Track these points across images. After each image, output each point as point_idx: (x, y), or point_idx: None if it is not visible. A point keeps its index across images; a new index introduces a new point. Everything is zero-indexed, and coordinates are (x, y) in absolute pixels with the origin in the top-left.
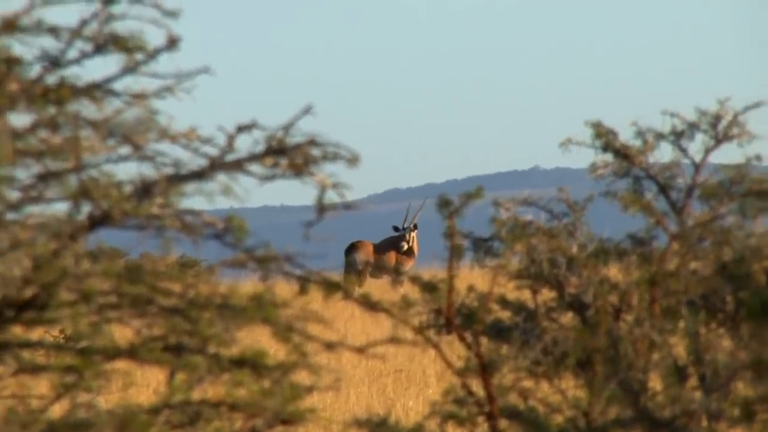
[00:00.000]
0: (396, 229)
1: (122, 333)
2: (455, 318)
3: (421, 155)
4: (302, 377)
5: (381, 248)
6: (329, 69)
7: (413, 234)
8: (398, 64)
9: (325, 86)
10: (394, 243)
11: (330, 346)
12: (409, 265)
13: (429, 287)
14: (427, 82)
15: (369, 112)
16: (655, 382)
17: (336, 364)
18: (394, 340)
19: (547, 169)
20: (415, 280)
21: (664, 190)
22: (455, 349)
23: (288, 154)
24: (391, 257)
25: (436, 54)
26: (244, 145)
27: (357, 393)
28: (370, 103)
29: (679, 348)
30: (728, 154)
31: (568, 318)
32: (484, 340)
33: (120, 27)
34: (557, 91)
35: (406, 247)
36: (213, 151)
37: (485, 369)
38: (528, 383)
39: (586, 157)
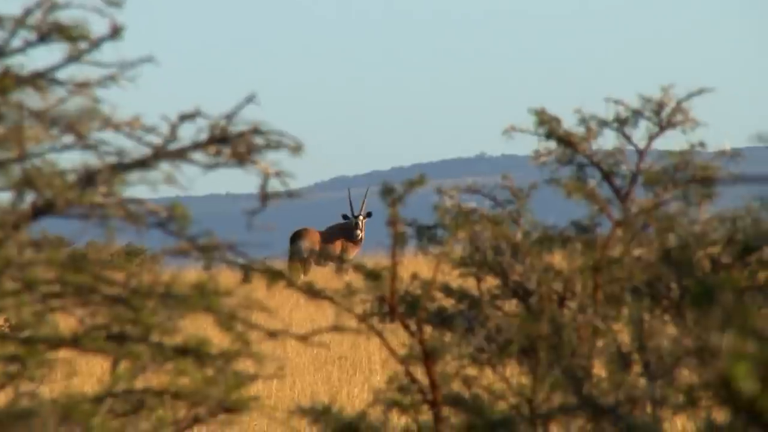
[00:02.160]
0: (345, 217)
1: (66, 322)
2: (399, 306)
3: (368, 143)
4: (246, 366)
5: (328, 236)
6: (274, 58)
7: (364, 221)
8: (344, 52)
9: (271, 75)
10: (343, 231)
11: (273, 335)
12: (354, 253)
13: (372, 275)
14: (373, 70)
15: (315, 100)
16: (599, 369)
17: (281, 352)
18: (337, 328)
19: (493, 156)
20: (358, 267)
21: (607, 177)
22: (399, 337)
23: (231, 143)
24: (337, 245)
25: (382, 41)
26: (188, 133)
27: (302, 381)
28: (316, 91)
29: (623, 335)
30: (672, 141)
31: (511, 305)
32: (427, 328)
33: (63, 16)
34: (504, 78)
35: (360, 235)
36: (156, 140)
37: (428, 356)
38: (471, 371)
39: (532, 144)
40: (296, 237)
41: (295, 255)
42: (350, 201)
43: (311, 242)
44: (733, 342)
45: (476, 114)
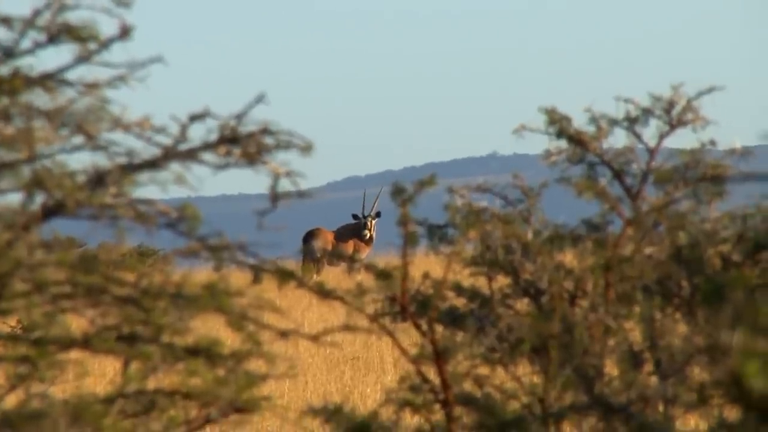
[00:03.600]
0: (355, 217)
1: (77, 323)
2: (410, 305)
3: (381, 143)
4: (258, 366)
5: (340, 236)
6: (285, 57)
7: (374, 222)
8: (356, 52)
9: (282, 75)
10: (354, 231)
11: (284, 334)
12: (366, 253)
13: (383, 275)
14: (386, 71)
15: (327, 100)
16: (611, 368)
17: (293, 352)
18: (348, 328)
19: (505, 156)
20: (369, 267)
21: (618, 175)
22: (410, 336)
23: (241, 143)
24: (350, 245)
25: (393, 40)
26: (198, 134)
27: (314, 381)
28: (329, 91)
29: (635, 333)
30: (683, 140)
31: (523, 304)
32: (439, 328)
33: (73, 17)
34: (516, 76)
35: (368, 235)
36: (166, 141)
37: (440, 356)
38: (483, 370)
39: (544, 143)
40: (309, 237)
41: (307, 255)
42: (363, 201)
43: (324, 242)
44: (744, 340)
45: (488, 113)
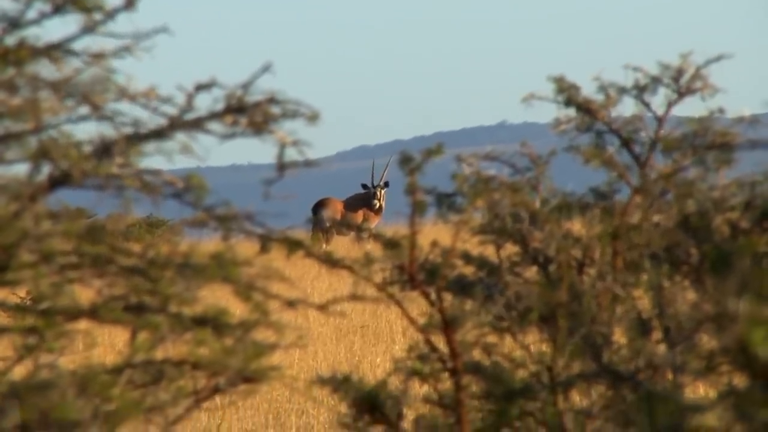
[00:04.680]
0: (365, 186)
1: (84, 294)
2: (418, 274)
3: (389, 112)
4: (267, 335)
5: (349, 205)
6: (293, 26)
7: (383, 191)
8: (366, 20)
9: (291, 44)
10: (363, 200)
11: (291, 304)
12: (375, 223)
13: (391, 244)
14: (394, 39)
15: (336, 69)
16: (619, 336)
17: (303, 322)
18: (355, 297)
19: (514, 124)
20: (377, 236)
21: (626, 143)
22: (419, 306)
23: (247, 112)
24: (359, 214)
25: (403, 9)
26: (204, 103)
27: (324, 350)
28: (338, 60)
29: (643, 301)
30: (691, 108)
31: (531, 272)
32: (447, 296)
33: None
34: (526, 45)
35: (378, 204)
36: (172, 111)
37: (448, 325)
38: (491, 338)
39: (553, 112)
40: (318, 206)
41: (317, 225)
42: (372, 171)
43: (333, 211)
44: (751, 307)
45: (498, 82)
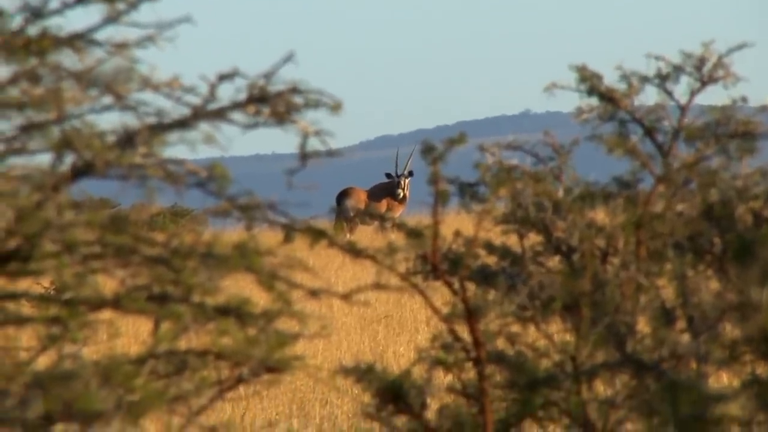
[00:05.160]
0: (389, 176)
1: (108, 284)
2: (441, 264)
3: (413, 102)
4: (291, 325)
5: (374, 195)
6: (316, 16)
7: (407, 181)
8: (388, 11)
9: (314, 34)
10: (387, 190)
11: (314, 293)
12: (399, 212)
13: (414, 233)
14: (417, 28)
15: (360, 58)
16: (643, 325)
17: (327, 311)
18: (378, 286)
19: (537, 114)
20: (400, 226)
21: (649, 132)
22: (442, 295)
23: (270, 102)
24: (383, 204)
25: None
26: (226, 93)
27: (348, 340)
28: (361, 50)
29: (666, 290)
30: (714, 96)
31: (554, 262)
32: (470, 286)
33: None
34: (548, 35)
35: (402, 194)
36: (195, 100)
37: (472, 314)
38: (515, 328)
39: (575, 101)
40: (342, 196)
41: (341, 214)
42: (396, 160)
43: (357, 201)
44: None
45: (521, 71)
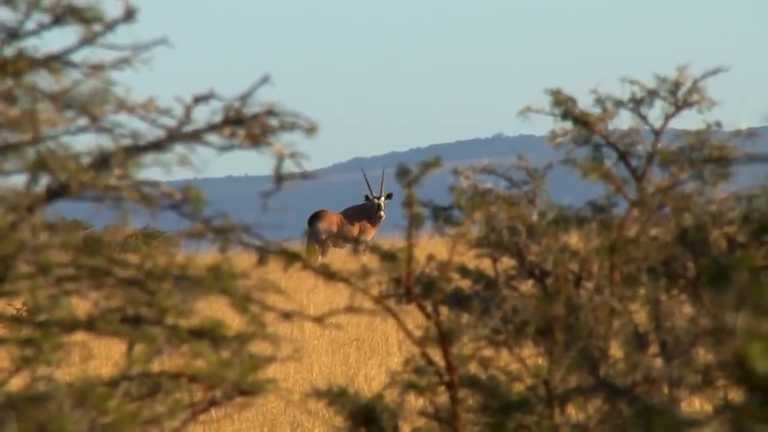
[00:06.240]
0: (367, 198)
1: (81, 306)
2: (415, 287)
3: (385, 125)
4: (263, 348)
5: (347, 217)
6: (289, 39)
7: (385, 203)
8: (364, 35)
9: (286, 56)
10: (361, 212)
11: (288, 316)
12: (371, 235)
13: (388, 256)
14: (389, 52)
15: (332, 81)
16: (616, 350)
17: (299, 334)
18: (351, 309)
19: (510, 137)
20: (374, 249)
21: (624, 156)
22: (415, 319)
23: (245, 124)
24: (356, 226)
25: (397, 22)
26: (202, 115)
27: (320, 363)
28: (333, 72)
29: (640, 315)
30: (688, 121)
31: (528, 286)
32: (443, 309)
33: None
34: (521, 58)
35: (384, 216)
36: (171, 122)
37: (445, 338)
38: (488, 352)
39: (549, 125)
40: (314, 219)
41: (312, 237)
42: (367, 182)
43: (329, 224)
44: (748, 321)
45: (493, 95)
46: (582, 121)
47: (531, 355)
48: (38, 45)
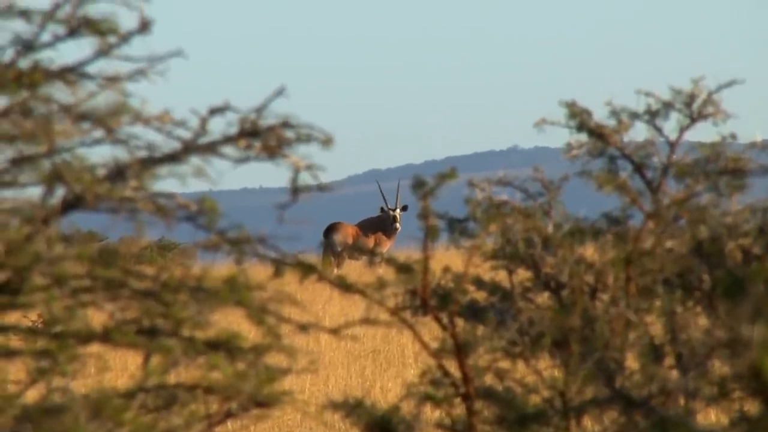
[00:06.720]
0: (382, 210)
1: (97, 317)
2: (431, 299)
3: (401, 136)
4: (279, 360)
5: (363, 229)
6: (306, 51)
7: (401, 214)
8: (376, 47)
9: (303, 68)
10: (377, 224)
11: (304, 328)
12: (387, 247)
13: (404, 268)
14: (406, 63)
15: (348, 93)
16: (632, 362)
17: (315, 346)
18: (367, 321)
19: (525, 149)
20: (390, 261)
21: (639, 169)
22: (431, 330)
23: (261, 136)
24: (371, 238)
25: (414, 35)
26: (218, 127)
27: (336, 375)
28: (349, 84)
29: (656, 327)
30: (703, 133)
31: (543, 298)
32: (459, 321)
33: (93, 10)
34: (538, 70)
35: (399, 228)
36: (186, 134)
37: (461, 350)
38: (504, 364)
39: (565, 137)
40: (329, 231)
41: (328, 249)
42: (382, 194)
43: (344, 236)
44: (764, 333)
45: (509, 106)
46: (597, 133)
47: (547, 366)
48: (54, 57)
